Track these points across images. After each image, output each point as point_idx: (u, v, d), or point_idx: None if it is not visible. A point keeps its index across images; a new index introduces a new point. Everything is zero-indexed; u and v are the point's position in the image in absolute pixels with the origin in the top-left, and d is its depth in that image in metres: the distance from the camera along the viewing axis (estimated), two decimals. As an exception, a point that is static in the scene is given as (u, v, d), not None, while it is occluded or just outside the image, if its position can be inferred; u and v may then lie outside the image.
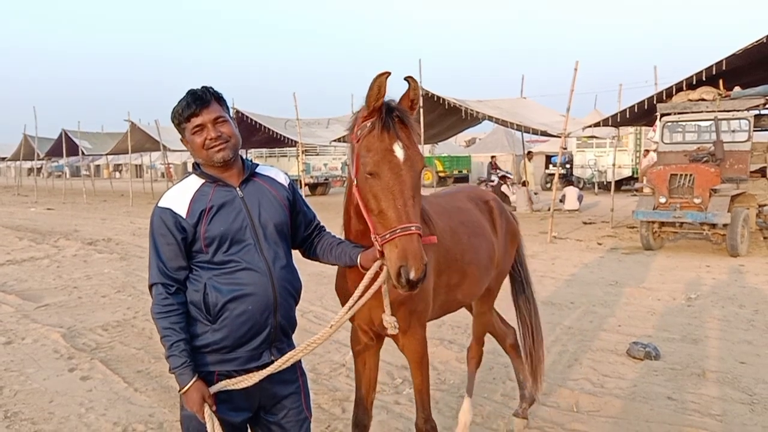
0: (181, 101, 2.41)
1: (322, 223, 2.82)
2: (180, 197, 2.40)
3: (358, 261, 2.58)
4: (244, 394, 2.43)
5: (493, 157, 25.97)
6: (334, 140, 21.08)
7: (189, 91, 2.43)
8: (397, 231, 2.32)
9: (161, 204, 2.40)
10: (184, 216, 2.36)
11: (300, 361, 2.61)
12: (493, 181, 21.45)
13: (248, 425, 2.58)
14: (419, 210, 2.50)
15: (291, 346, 2.56)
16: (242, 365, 2.41)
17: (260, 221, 2.46)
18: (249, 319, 2.37)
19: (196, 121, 2.38)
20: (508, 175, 22.75)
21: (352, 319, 2.88)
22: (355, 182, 2.51)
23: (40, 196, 34.14)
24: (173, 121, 2.43)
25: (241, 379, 2.38)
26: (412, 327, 3.03)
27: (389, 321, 2.67)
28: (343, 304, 2.71)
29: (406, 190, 2.40)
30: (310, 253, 2.77)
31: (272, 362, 2.44)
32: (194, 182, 2.45)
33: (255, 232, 2.43)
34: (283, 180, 2.66)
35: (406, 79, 2.50)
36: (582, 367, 5.51)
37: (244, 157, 2.64)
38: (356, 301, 2.50)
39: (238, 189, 2.46)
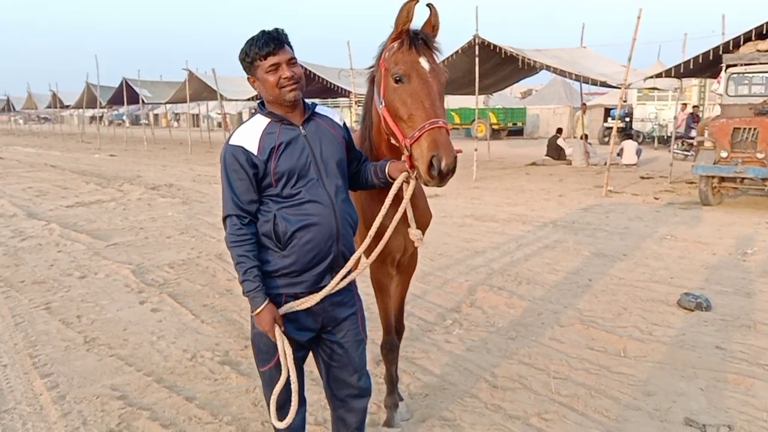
0: (256, 40, 2.51)
1: (366, 157, 3.02)
2: (250, 135, 2.55)
3: (387, 171, 2.77)
4: (310, 315, 2.65)
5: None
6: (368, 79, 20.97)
7: (263, 31, 2.54)
8: (426, 126, 2.55)
9: (233, 142, 2.54)
10: (255, 153, 2.50)
11: (356, 288, 2.85)
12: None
13: (312, 345, 2.81)
14: (445, 114, 2.72)
15: (350, 272, 2.74)
16: (308, 288, 2.60)
17: (322, 158, 2.62)
18: (315, 247, 2.56)
19: (273, 60, 2.50)
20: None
21: (383, 255, 3.10)
22: (383, 104, 2.77)
23: (102, 143, 35.35)
24: (245, 59, 2.55)
25: (304, 300, 2.60)
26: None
27: (415, 234, 2.94)
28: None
29: (433, 93, 2.66)
30: (354, 185, 2.95)
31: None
32: (261, 121, 2.60)
33: (318, 167, 2.59)
34: (339, 120, 2.82)
35: (427, 5, 2.74)
36: (631, 315, 5.58)
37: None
38: (385, 211, 2.71)
39: (301, 128, 2.62)
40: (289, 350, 2.56)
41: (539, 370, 4.47)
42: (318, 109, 2.76)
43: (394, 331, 3.63)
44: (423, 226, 3.39)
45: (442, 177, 2.51)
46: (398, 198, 2.73)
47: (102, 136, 38.66)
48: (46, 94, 48.12)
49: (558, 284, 6.57)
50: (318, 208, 2.56)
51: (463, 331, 5.29)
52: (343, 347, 2.77)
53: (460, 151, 2.88)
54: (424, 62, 2.70)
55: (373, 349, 4.75)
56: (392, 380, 3.67)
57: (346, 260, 2.69)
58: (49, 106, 48.85)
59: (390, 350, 3.63)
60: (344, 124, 2.85)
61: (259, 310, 2.51)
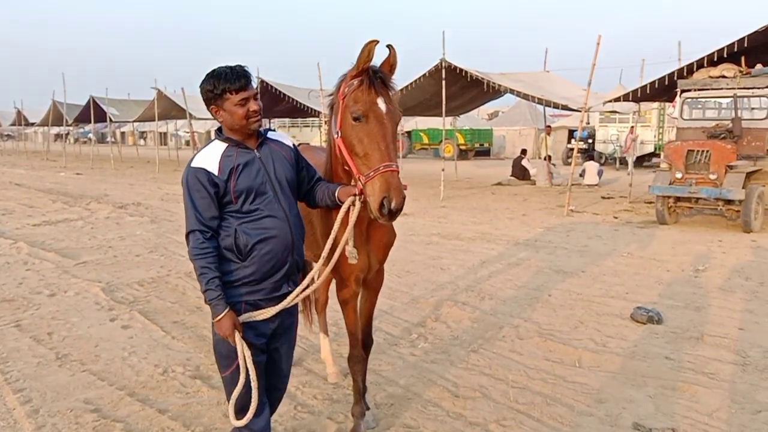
0: (225, 75, 2.77)
1: (320, 176, 3.31)
2: (211, 158, 2.82)
3: (336, 195, 3.09)
4: (267, 321, 2.92)
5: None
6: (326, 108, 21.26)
7: (231, 68, 2.80)
8: (381, 168, 2.85)
9: (194, 164, 2.80)
10: (216, 173, 2.77)
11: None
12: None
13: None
14: (396, 154, 3.02)
15: (301, 280, 3.08)
16: (267, 295, 2.89)
17: (276, 177, 2.92)
18: (273, 257, 2.85)
19: (243, 95, 2.78)
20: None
21: (345, 273, 3.48)
22: (338, 134, 3.06)
23: (68, 161, 34.93)
24: (213, 91, 2.79)
25: (262, 312, 2.87)
26: (383, 264, 3.71)
27: (351, 252, 3.20)
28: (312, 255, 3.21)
29: (388, 135, 2.95)
30: (310, 203, 3.28)
31: (289, 293, 2.95)
32: (219, 146, 2.87)
33: (273, 186, 2.89)
34: (289, 143, 3.14)
35: (387, 46, 3.02)
36: (587, 328, 5.86)
37: (268, 126, 3.10)
38: (337, 230, 3.05)
39: (256, 151, 2.91)
40: (248, 353, 2.79)
41: (499, 380, 4.69)
42: (270, 134, 3.07)
43: (360, 345, 3.80)
44: (387, 244, 3.65)
45: (391, 215, 2.84)
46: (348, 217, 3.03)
47: (68, 154, 38.17)
48: (11, 111, 47.39)
49: (519, 299, 6.83)
50: (275, 222, 2.86)
51: (428, 345, 5.50)
52: (279, 354, 3.09)
53: (406, 187, 3.18)
54: (381, 103, 2.96)
55: (341, 363, 4.95)
56: (359, 391, 3.85)
57: (299, 268, 3.02)
58: (13, 124, 48.13)
59: (356, 362, 3.80)
60: (294, 146, 3.17)
61: (220, 317, 2.74)
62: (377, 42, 2.94)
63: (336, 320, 5.90)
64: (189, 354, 5.24)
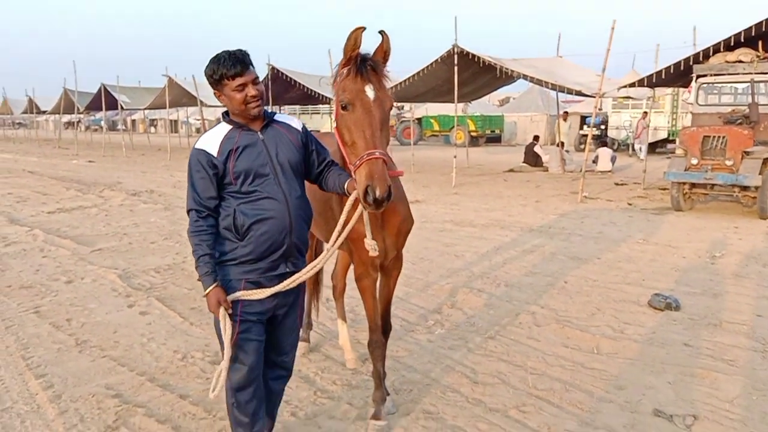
0: (223, 60, 2.80)
1: (333, 160, 3.28)
2: (212, 140, 2.89)
3: (345, 188, 3.07)
4: (265, 301, 2.95)
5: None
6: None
7: (229, 53, 2.82)
8: (364, 157, 2.84)
9: (197, 146, 2.89)
10: (215, 155, 2.84)
11: (303, 283, 3.17)
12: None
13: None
14: (386, 142, 3.01)
15: (303, 263, 3.10)
16: (264, 273, 2.93)
17: (278, 159, 2.94)
18: (270, 238, 2.88)
19: (240, 80, 2.81)
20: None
21: (363, 258, 3.51)
22: (335, 123, 3.09)
23: (80, 149, 35.12)
24: (212, 76, 2.85)
25: (254, 292, 2.91)
26: (401, 250, 3.72)
27: (370, 244, 3.25)
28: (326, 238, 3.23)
29: (374, 123, 2.94)
30: (323, 187, 3.28)
31: (287, 273, 2.98)
32: (224, 128, 2.93)
33: (274, 168, 2.92)
34: (297, 125, 3.14)
35: (380, 32, 3.02)
36: (604, 315, 5.84)
37: (278, 112, 3.12)
38: (345, 224, 3.04)
39: (259, 133, 2.95)
40: (229, 330, 2.83)
41: (517, 367, 4.69)
42: (276, 117, 3.08)
43: (379, 330, 3.81)
44: (403, 230, 3.65)
45: (377, 204, 2.80)
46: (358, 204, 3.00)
47: (79, 141, 38.31)
48: (22, 99, 47.57)
49: (535, 286, 6.82)
50: (273, 204, 2.89)
51: (444, 331, 5.50)
52: (283, 332, 3.15)
53: (401, 173, 3.26)
54: (369, 90, 2.95)
55: (359, 349, 4.97)
56: (379, 376, 3.86)
57: (299, 251, 3.04)
58: (24, 112, 48.26)
59: (376, 348, 3.82)
60: (303, 128, 3.16)
61: (207, 291, 2.82)
62: (363, 29, 2.94)
63: (352, 307, 5.91)
64: (207, 340, 5.26)
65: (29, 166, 24.73)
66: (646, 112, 24.07)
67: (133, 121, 59.38)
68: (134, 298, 6.50)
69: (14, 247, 9.12)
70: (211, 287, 2.79)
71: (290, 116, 3.20)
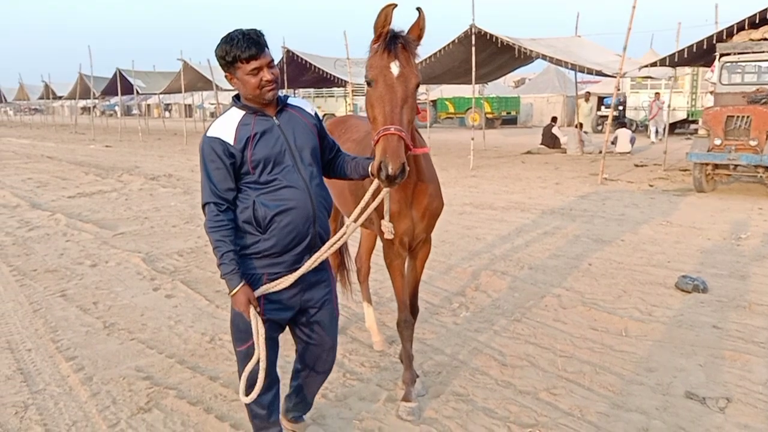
0: (237, 42, 2.59)
1: (339, 147, 3.20)
2: (226, 127, 2.71)
3: (369, 170, 2.95)
4: (292, 295, 2.85)
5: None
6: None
7: (243, 33, 2.62)
8: (381, 132, 2.80)
9: (210, 134, 2.70)
10: (232, 143, 2.67)
11: (331, 268, 3.10)
12: None
13: (290, 323, 3.02)
14: (408, 119, 2.93)
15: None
16: (287, 268, 2.80)
17: (296, 145, 2.81)
18: (294, 229, 2.75)
19: (255, 64, 2.63)
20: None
21: (392, 238, 3.42)
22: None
23: (96, 134, 35.29)
24: (225, 58, 2.64)
25: (278, 282, 2.78)
26: (430, 233, 3.71)
27: (387, 226, 3.21)
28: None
29: (395, 100, 2.88)
30: (330, 174, 3.15)
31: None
32: (236, 114, 2.75)
33: (293, 154, 2.78)
34: (311, 110, 3.01)
35: (417, 8, 2.96)
36: (631, 297, 5.79)
37: (293, 95, 3.02)
38: (367, 203, 2.98)
39: (275, 118, 2.79)
40: (261, 330, 2.72)
41: (545, 349, 4.67)
42: (290, 101, 2.94)
43: (408, 309, 3.81)
44: (432, 211, 3.62)
45: (389, 180, 2.74)
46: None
47: (95, 126, 38.49)
48: (38, 85, 47.87)
49: (559, 268, 6.77)
50: (294, 192, 2.75)
51: (469, 314, 5.49)
52: (321, 326, 3.01)
53: (427, 150, 3.30)
54: (394, 67, 2.90)
55: (385, 331, 4.97)
56: (409, 356, 3.86)
57: (323, 240, 2.91)
58: (41, 97, 48.61)
59: (405, 327, 3.81)
60: (316, 114, 3.04)
61: (235, 291, 2.67)
62: (394, 5, 2.86)
63: (376, 290, 5.91)
64: (234, 323, 5.28)
65: (47, 151, 24.92)
66: (658, 93, 23.80)
67: (148, 105, 59.59)
68: (159, 282, 6.54)
69: (37, 231, 9.20)
70: (239, 286, 2.66)
71: (302, 100, 3.08)
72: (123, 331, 5.19)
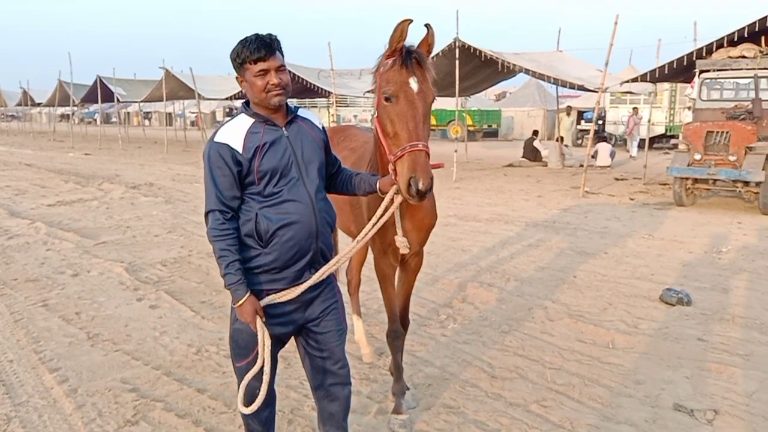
0: (249, 43, 2.60)
1: (341, 162, 3.17)
2: (235, 133, 2.65)
3: (377, 186, 2.95)
4: (295, 308, 2.79)
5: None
6: (368, 91, 21.20)
7: (257, 36, 2.63)
8: (407, 148, 2.78)
9: (218, 139, 2.64)
10: (240, 151, 2.61)
11: (336, 282, 3.03)
12: None
13: (296, 338, 2.96)
14: (428, 134, 2.96)
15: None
16: (288, 284, 2.73)
17: (303, 159, 2.75)
18: (296, 244, 2.68)
19: (263, 65, 2.60)
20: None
21: (383, 248, 3.54)
22: (376, 114, 3.01)
23: (75, 141, 34.82)
24: (236, 59, 2.64)
25: (285, 293, 2.71)
26: (423, 246, 3.75)
27: (401, 241, 3.28)
28: (357, 234, 3.10)
29: (418, 116, 2.88)
30: (331, 189, 3.10)
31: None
32: (246, 121, 2.70)
33: (299, 168, 2.72)
34: (319, 124, 2.96)
35: (425, 25, 2.97)
36: (617, 310, 5.84)
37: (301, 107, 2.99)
38: (378, 219, 2.93)
39: (284, 129, 2.74)
40: (268, 341, 2.67)
41: (534, 361, 4.68)
42: (300, 112, 2.90)
43: (398, 320, 3.80)
44: (427, 225, 3.63)
45: (420, 195, 2.74)
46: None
47: (74, 134, 38.02)
48: (16, 91, 47.25)
49: (544, 280, 6.81)
50: (298, 207, 2.69)
51: (457, 326, 5.49)
52: (326, 338, 2.91)
53: (441, 165, 3.22)
54: (413, 83, 2.89)
55: (374, 343, 4.95)
56: (398, 368, 3.85)
57: (325, 257, 2.84)
58: (19, 104, 47.97)
59: (395, 338, 3.80)
60: (323, 127, 3.00)
61: (241, 302, 2.61)
62: (410, 21, 2.87)
63: (364, 301, 5.89)
64: (221, 334, 5.23)
65: (25, 158, 24.53)
66: (636, 108, 24.17)
67: (128, 113, 59.05)
68: (143, 292, 6.45)
69: (17, 240, 9.05)
70: (245, 297, 2.60)
71: (311, 112, 3.01)
72: (107, 342, 5.12)
